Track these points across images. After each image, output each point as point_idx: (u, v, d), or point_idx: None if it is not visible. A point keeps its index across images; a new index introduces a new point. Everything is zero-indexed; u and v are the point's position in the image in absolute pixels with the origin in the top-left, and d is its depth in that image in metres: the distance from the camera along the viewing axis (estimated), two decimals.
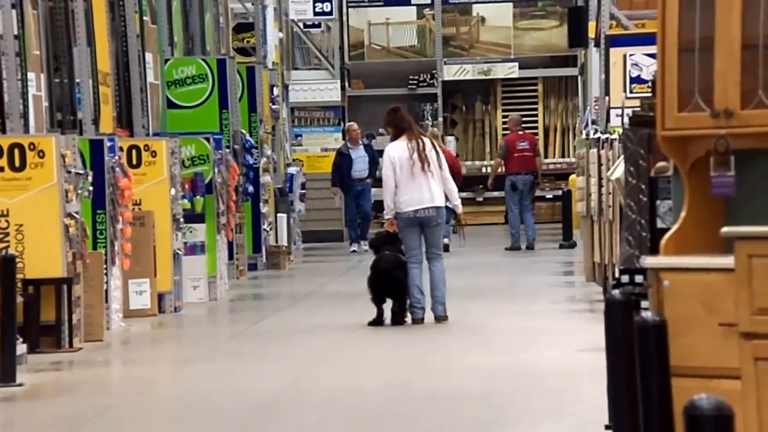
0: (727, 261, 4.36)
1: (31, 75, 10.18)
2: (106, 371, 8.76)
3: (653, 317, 4.17)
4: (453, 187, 10.09)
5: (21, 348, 8.23)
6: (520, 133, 18.07)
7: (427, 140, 10.01)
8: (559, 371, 7.81)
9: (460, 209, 10.28)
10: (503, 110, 24.28)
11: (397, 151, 9.93)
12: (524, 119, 25.00)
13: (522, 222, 17.45)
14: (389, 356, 8.76)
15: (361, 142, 18.58)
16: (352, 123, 18.91)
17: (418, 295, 9.91)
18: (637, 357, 4.18)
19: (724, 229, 4.42)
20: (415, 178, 9.85)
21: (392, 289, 9.84)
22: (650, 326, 4.12)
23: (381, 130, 24.29)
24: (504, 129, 24.31)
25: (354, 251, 18.09)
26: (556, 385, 7.43)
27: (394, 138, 10.03)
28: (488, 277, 14.11)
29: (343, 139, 19.95)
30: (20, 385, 7.62)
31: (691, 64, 4.48)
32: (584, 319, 10.50)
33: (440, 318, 10.01)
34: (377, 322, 9.82)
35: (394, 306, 9.88)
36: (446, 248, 13.69)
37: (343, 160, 18.24)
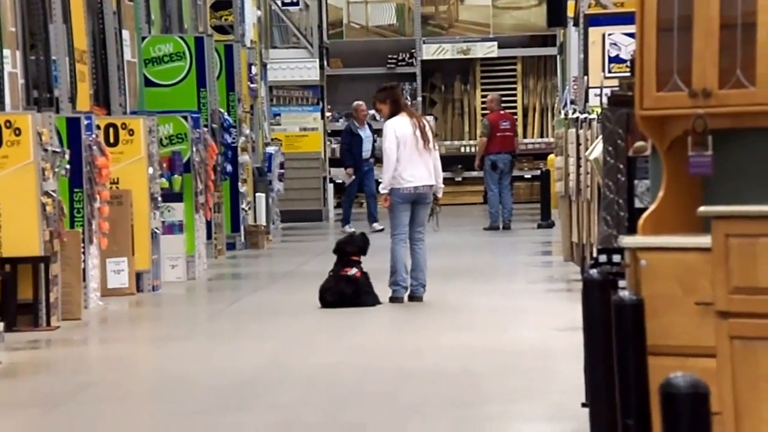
0: (704, 240, 4.38)
1: (6, 52, 10.11)
2: (84, 350, 8.75)
3: (630, 296, 4.18)
4: (440, 167, 10.17)
5: None
6: (502, 112, 18.10)
7: (426, 119, 10.12)
8: (537, 350, 7.84)
9: (441, 192, 10.30)
10: (482, 90, 24.27)
11: (401, 127, 9.91)
12: (503, 99, 24.98)
13: (500, 202, 17.51)
14: (367, 336, 8.77)
15: (366, 123, 18.14)
16: (360, 102, 18.66)
17: (404, 274, 9.94)
18: (614, 336, 4.19)
19: (701, 209, 4.43)
20: (418, 154, 9.90)
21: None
22: (627, 305, 4.14)
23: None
24: (483, 108, 24.28)
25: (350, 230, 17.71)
26: (533, 364, 7.46)
27: (392, 114, 9.97)
28: (466, 257, 14.13)
29: (347, 119, 19.86)
30: None
31: (669, 43, 4.48)
32: (562, 299, 10.53)
33: (417, 299, 10.02)
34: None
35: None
36: None
37: (354, 140, 17.92)
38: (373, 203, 17.85)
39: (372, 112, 23.87)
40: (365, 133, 18.05)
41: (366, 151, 18.00)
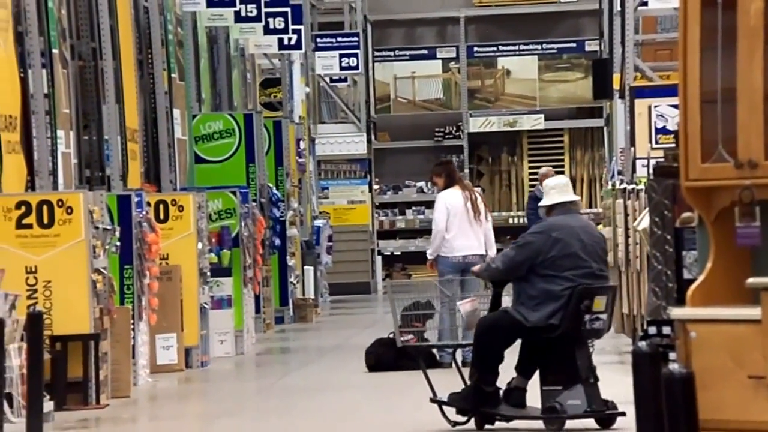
0: (755, 312, 4.33)
1: (60, 133, 10.27)
2: (133, 428, 8.75)
3: (680, 370, 4.13)
4: (493, 237, 10.37)
5: (48, 405, 8.23)
6: None
7: (477, 192, 10.33)
8: (589, 424, 7.75)
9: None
10: (529, 161, 24.30)
11: (452, 199, 10.32)
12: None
13: None
14: (417, 411, 8.71)
15: None
16: (550, 168, 18.41)
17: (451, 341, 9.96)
18: (665, 410, 4.14)
19: (750, 280, 4.39)
20: (469, 225, 10.12)
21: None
22: (677, 379, 4.09)
23: (408, 182, 24.37)
24: (532, 179, 24.28)
25: None
26: None
27: (446, 187, 10.27)
28: None
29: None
30: None
31: (713, 114, 4.48)
32: (614, 371, 10.43)
33: (445, 366, 10.00)
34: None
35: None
36: None
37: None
38: None
39: (420, 184, 23.94)
40: None
41: None
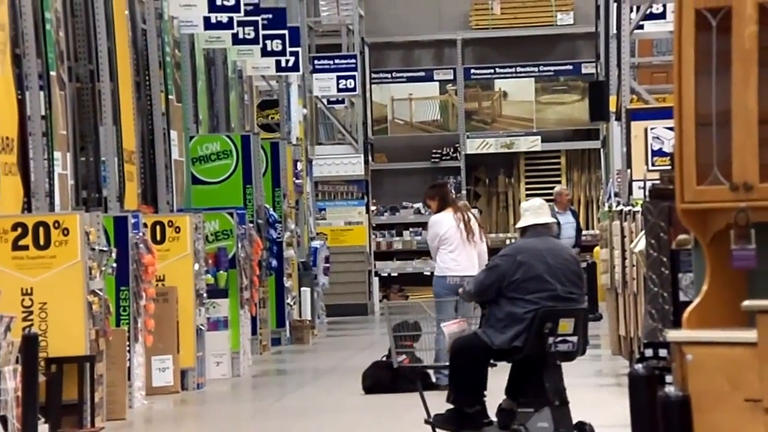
0: (750, 335, 4.32)
1: (57, 154, 10.27)
2: None
3: (676, 392, 4.12)
4: (486, 259, 10.33)
5: (43, 428, 8.20)
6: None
7: (471, 214, 10.26)
8: None
9: None
10: (526, 183, 24.31)
11: (443, 222, 10.21)
12: (547, 192, 24.96)
13: None
14: (410, 430, 8.68)
15: (568, 209, 17.26)
16: (564, 187, 18.06)
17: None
18: None
19: (746, 303, 4.38)
20: (463, 246, 10.10)
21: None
22: (673, 401, 4.08)
23: (405, 203, 24.38)
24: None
25: None
26: None
27: (438, 210, 10.23)
28: None
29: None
30: None
31: (708, 137, 4.48)
32: (611, 393, 10.41)
33: (442, 388, 9.99)
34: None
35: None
36: None
37: None
38: None
39: (417, 205, 23.90)
40: (565, 219, 17.08)
41: (566, 238, 16.82)
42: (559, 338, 7.22)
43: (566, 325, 7.22)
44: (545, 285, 7.23)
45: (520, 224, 7.57)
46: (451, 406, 7.49)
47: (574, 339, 7.27)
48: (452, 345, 7.53)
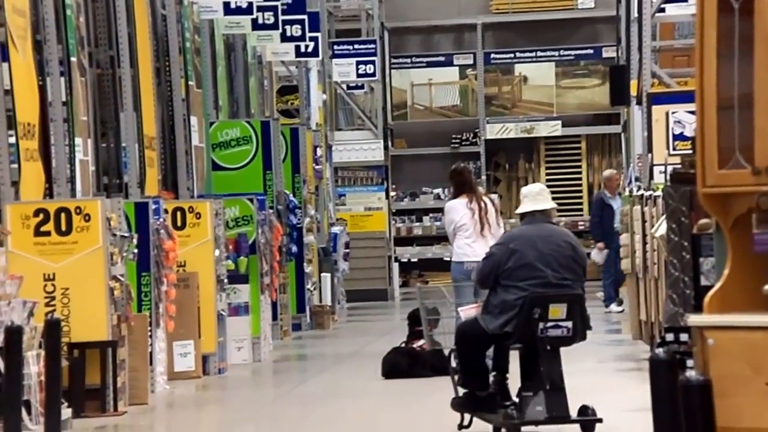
0: None
1: (78, 140, 10.30)
2: None
3: (697, 377, 4.12)
4: None
5: (66, 413, 8.24)
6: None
7: (488, 201, 10.19)
8: (606, 431, 7.72)
9: None
10: (546, 168, 24.26)
11: (458, 209, 10.12)
12: (568, 177, 24.90)
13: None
14: (433, 417, 8.70)
15: (617, 193, 16.19)
16: (614, 171, 17.53)
17: None
18: (683, 417, 4.12)
19: (767, 287, 4.37)
20: (477, 233, 10.08)
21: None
22: (694, 386, 4.07)
23: (425, 189, 24.36)
24: (549, 187, 24.10)
25: (610, 311, 15.97)
26: None
27: (454, 196, 10.22)
28: None
29: (598, 188, 18.68)
30: None
31: (730, 121, 4.46)
32: (632, 378, 10.40)
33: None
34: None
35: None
36: None
37: (605, 212, 16.19)
38: (621, 281, 15.29)
39: (437, 190, 23.86)
40: (617, 204, 16.06)
41: (617, 223, 15.47)
42: (551, 323, 7.30)
43: (558, 310, 7.31)
44: (536, 272, 7.36)
45: (519, 210, 7.67)
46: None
47: (568, 324, 7.35)
48: (456, 330, 7.69)
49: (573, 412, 7.39)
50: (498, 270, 7.41)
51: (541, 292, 7.31)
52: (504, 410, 7.41)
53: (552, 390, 7.32)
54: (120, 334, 9.35)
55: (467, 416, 7.61)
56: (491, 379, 7.58)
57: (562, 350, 7.48)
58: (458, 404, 7.62)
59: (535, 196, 7.58)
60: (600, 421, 7.36)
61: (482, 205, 10.16)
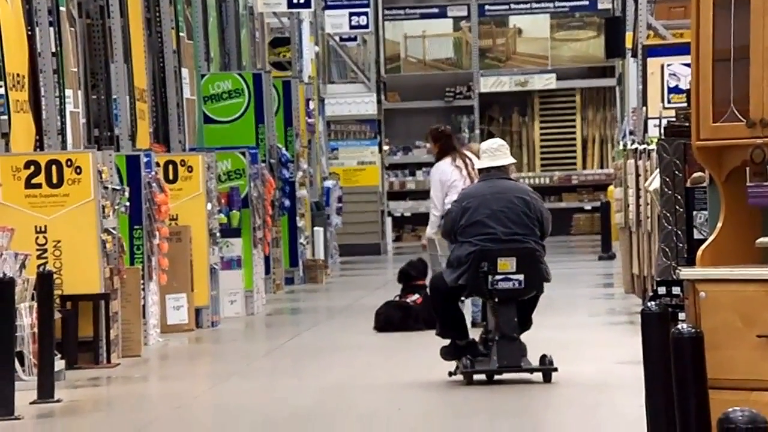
0: (764, 272, 4.30)
1: (68, 92, 10.24)
2: (144, 387, 8.78)
3: (689, 329, 4.12)
4: None
5: (59, 364, 8.26)
6: None
7: (470, 155, 10.24)
8: (598, 384, 7.76)
9: None
10: (541, 122, 24.21)
11: (446, 174, 10.31)
12: (562, 130, 24.83)
13: None
14: (427, 372, 8.73)
15: None
16: None
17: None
18: (674, 370, 4.13)
19: (760, 240, 4.36)
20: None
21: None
22: (686, 338, 4.08)
23: (418, 143, 24.33)
24: (543, 140, 24.16)
25: None
26: (593, 398, 7.37)
27: (439, 158, 10.20)
28: None
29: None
30: (58, 401, 7.65)
31: (725, 73, 4.43)
32: (623, 332, 10.44)
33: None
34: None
35: None
36: None
37: None
38: None
39: (424, 144, 23.84)
40: None
41: None
42: (500, 276, 7.61)
43: (507, 264, 7.63)
44: (486, 229, 7.68)
45: (477, 166, 7.85)
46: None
47: (519, 277, 7.65)
48: (429, 284, 8.09)
49: (535, 362, 7.63)
50: (454, 227, 7.74)
51: (490, 247, 7.62)
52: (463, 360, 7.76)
53: (503, 340, 7.62)
54: (113, 287, 9.35)
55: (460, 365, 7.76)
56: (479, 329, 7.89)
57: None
58: (445, 352, 7.96)
59: (494, 153, 7.76)
60: (555, 370, 7.63)
61: (467, 161, 10.22)
